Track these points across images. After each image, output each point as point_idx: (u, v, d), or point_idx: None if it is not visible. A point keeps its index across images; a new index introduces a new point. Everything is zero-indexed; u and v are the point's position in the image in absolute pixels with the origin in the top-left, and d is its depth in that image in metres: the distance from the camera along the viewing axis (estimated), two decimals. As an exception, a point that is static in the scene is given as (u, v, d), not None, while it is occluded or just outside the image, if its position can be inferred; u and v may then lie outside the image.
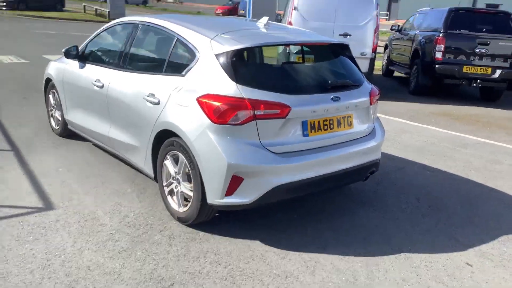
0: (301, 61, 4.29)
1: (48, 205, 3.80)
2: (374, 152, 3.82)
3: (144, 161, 3.93)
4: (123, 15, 27.58)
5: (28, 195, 3.97)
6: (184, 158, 3.41)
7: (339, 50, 3.93)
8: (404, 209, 4.10)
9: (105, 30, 4.77)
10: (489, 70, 9.20)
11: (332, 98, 3.43)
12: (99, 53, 4.78)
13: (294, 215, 3.84)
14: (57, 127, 5.59)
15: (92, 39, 4.88)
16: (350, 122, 3.63)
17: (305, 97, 3.32)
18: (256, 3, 20.87)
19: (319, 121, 3.40)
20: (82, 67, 4.78)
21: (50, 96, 5.64)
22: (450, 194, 4.51)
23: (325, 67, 3.81)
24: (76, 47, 4.86)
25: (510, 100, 10.30)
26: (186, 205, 3.53)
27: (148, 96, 3.69)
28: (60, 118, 5.45)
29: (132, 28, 4.28)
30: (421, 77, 9.92)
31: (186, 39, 3.63)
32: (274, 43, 3.54)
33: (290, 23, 9.05)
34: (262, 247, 3.32)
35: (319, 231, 3.61)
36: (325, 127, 3.45)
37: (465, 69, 9.26)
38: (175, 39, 3.74)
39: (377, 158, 3.89)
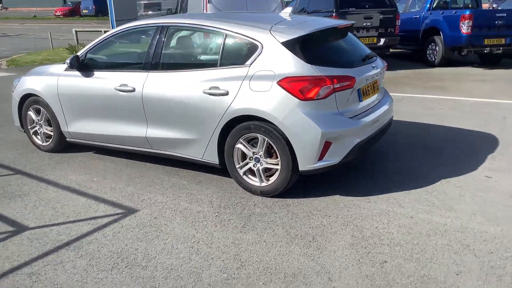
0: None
1: (129, 209, 3.88)
2: (392, 108, 4.67)
3: (203, 152, 4.21)
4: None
5: (95, 206, 3.96)
6: (265, 137, 3.83)
7: (349, 30, 4.65)
8: (414, 155, 5.07)
9: (110, 37, 4.72)
10: (375, 40, 10.87)
11: (372, 67, 4.19)
12: (116, 59, 4.78)
13: (346, 175, 4.52)
14: (47, 143, 5.34)
15: (92, 48, 4.81)
16: (378, 86, 4.42)
17: (358, 69, 4.00)
18: (117, 2, 20.40)
19: (366, 88, 4.12)
20: (90, 75, 4.72)
21: (30, 113, 5.34)
22: (427, 139, 5.63)
23: (352, 43, 4.47)
24: (77, 56, 4.76)
25: (393, 63, 12.21)
26: (269, 179, 3.98)
27: (210, 89, 3.98)
28: (52, 133, 5.24)
29: (157, 31, 4.40)
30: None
31: (240, 33, 3.99)
32: (323, 28, 4.09)
33: (206, 15, 9.48)
34: (346, 199, 3.95)
35: (375, 180, 4.36)
36: (368, 92, 4.18)
37: (357, 40, 10.77)
38: (224, 35, 4.07)
39: (392, 113, 4.76)
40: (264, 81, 3.78)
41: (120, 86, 4.48)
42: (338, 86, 3.73)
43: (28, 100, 5.29)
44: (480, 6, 12.62)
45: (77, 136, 5.05)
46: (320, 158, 3.75)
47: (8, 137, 6.03)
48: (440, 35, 11.21)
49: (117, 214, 3.80)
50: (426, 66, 11.50)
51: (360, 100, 4.04)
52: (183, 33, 4.48)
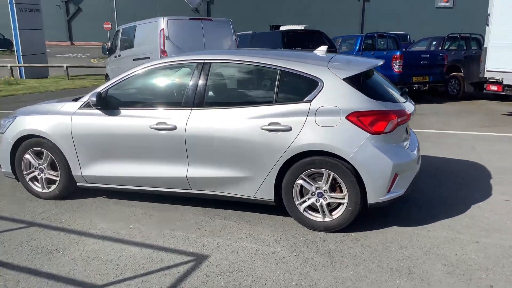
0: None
1: (197, 255, 3.59)
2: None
3: (256, 190, 4.09)
4: None
5: (156, 254, 3.60)
6: (330, 171, 3.85)
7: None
8: (427, 183, 5.36)
9: (138, 73, 4.44)
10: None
11: (411, 101, 4.44)
12: (148, 96, 4.48)
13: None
14: (49, 190, 4.76)
15: (115, 85, 4.46)
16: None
17: (405, 104, 4.22)
18: (24, 36, 19.25)
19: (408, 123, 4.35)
20: (115, 114, 4.37)
21: (28, 156, 4.74)
22: (425, 167, 5.98)
23: (384, 80, 4.67)
24: (100, 93, 4.39)
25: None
26: (332, 214, 3.97)
27: (269, 125, 3.92)
28: (57, 178, 4.69)
29: (198, 67, 4.24)
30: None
31: (296, 70, 4.01)
32: (372, 66, 4.24)
33: (164, 52, 9.29)
34: (406, 229, 4.05)
35: (416, 209, 4.55)
36: (408, 126, 4.42)
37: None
38: (278, 72, 4.05)
39: None
40: (330, 116, 3.82)
41: (157, 124, 4.20)
42: (400, 120, 3.90)
43: (27, 142, 4.70)
44: (401, 48, 13.97)
45: (94, 180, 4.58)
46: (389, 190, 3.85)
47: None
48: (374, 73, 12.13)
49: (188, 261, 3.50)
50: (361, 102, 12.31)
51: (407, 134, 4.25)
52: (229, 69, 4.37)
